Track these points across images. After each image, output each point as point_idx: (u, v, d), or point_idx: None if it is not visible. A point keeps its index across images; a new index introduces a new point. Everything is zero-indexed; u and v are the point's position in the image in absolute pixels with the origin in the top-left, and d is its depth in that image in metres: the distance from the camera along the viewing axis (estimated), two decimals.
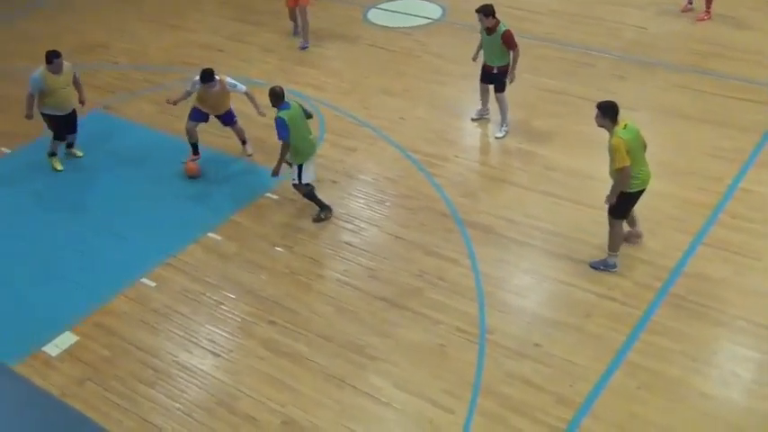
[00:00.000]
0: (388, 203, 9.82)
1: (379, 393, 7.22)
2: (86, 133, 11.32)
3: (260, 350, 7.77)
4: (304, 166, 9.27)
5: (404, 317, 8.05)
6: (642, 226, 8.85)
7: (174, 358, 7.75)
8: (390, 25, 14.53)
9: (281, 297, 8.42)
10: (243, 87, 10.31)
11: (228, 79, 10.28)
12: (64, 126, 10.73)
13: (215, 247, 9.25)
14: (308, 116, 9.38)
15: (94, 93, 12.68)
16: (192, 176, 10.44)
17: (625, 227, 8.49)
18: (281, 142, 9.05)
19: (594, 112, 7.83)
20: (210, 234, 9.43)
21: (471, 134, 11.27)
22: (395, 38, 14.00)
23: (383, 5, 15.32)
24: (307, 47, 13.89)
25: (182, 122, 11.41)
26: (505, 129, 10.88)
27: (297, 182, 9.33)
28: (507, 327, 7.82)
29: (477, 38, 10.85)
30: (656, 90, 11.81)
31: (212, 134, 11.14)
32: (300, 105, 9.32)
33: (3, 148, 11.48)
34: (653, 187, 9.72)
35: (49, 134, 10.80)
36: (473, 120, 11.35)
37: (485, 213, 9.43)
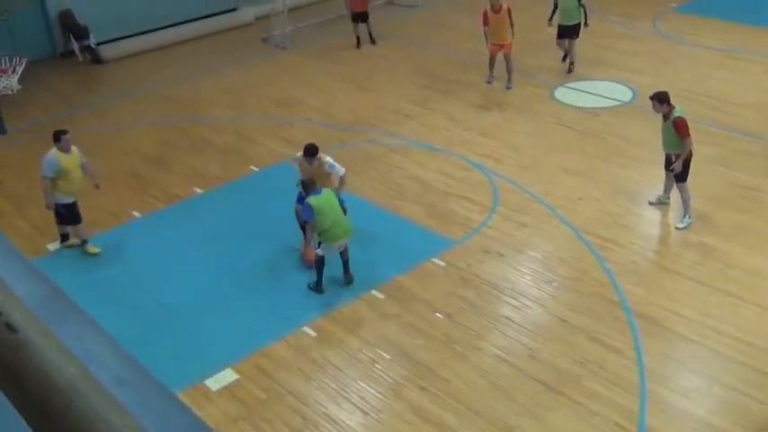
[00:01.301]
0: (555, 283, 9.60)
1: None
2: (274, 183, 11.94)
3: (408, 415, 7.74)
4: (324, 245, 9.45)
5: (559, 402, 7.77)
6: None
7: (324, 410, 7.87)
8: (578, 105, 14.40)
9: (435, 364, 8.39)
10: (341, 171, 9.96)
11: (328, 159, 10.04)
12: (77, 213, 10.39)
13: (377, 305, 9.39)
14: (343, 209, 9.57)
15: (284, 145, 13.40)
16: (311, 266, 9.94)
17: None
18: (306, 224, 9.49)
19: None
20: (374, 292, 9.59)
21: (650, 221, 10.88)
22: (581, 117, 13.86)
23: (572, 84, 15.23)
24: (511, 87, 14.99)
25: (366, 180, 11.86)
26: (688, 220, 10.41)
27: (315, 248, 9.58)
28: (669, 429, 7.36)
29: None
30: None
31: (380, 191, 11.44)
32: (337, 198, 9.55)
33: (196, 188, 12.29)
34: None
35: None
36: (650, 203, 10.97)
37: (656, 305, 9.00)
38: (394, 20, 19.80)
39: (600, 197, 11.33)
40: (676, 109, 10.16)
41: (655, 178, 11.12)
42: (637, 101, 14.23)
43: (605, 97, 14.59)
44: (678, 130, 10.07)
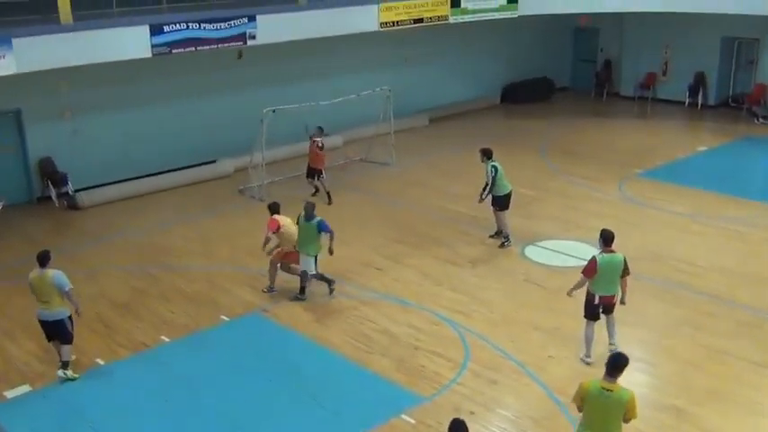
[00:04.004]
0: None
1: None
2: (244, 334, 11.82)
3: None
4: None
5: None
6: None
7: None
8: (547, 263, 14.62)
9: None
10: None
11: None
12: None
13: None
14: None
15: (256, 296, 13.39)
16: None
17: None
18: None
19: None
20: None
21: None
22: (550, 275, 14.03)
23: (542, 243, 15.52)
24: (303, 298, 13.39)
25: (336, 333, 11.77)
26: (585, 359, 11.09)
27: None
28: None
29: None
30: None
31: (349, 344, 11.37)
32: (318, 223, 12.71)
33: (164, 337, 12.10)
34: None
35: None
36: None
37: None
38: (366, 175, 20.32)
39: (570, 355, 11.30)
40: (613, 254, 10.70)
41: (622, 337, 11.17)
42: None
43: (574, 257, 14.83)
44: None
